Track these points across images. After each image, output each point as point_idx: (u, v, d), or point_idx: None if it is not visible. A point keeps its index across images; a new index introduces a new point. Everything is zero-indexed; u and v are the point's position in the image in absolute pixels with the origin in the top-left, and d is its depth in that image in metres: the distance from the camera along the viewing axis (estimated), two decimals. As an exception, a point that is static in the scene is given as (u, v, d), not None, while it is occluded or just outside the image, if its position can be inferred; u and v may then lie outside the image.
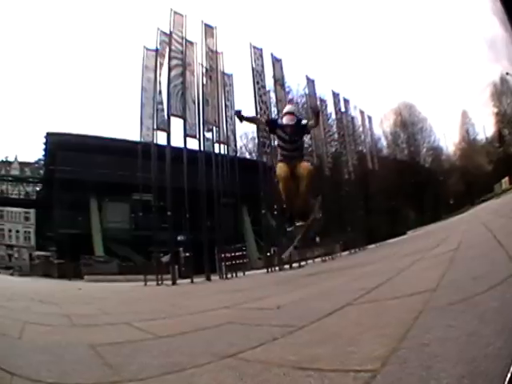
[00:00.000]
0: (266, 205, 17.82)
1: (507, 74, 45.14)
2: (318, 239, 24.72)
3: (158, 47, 15.20)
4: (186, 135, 14.90)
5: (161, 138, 15.01)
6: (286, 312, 3.34)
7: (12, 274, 38.28)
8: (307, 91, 22.66)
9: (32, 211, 54.74)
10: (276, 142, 9.28)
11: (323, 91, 25.93)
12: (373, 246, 22.59)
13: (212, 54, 16.42)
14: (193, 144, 15.36)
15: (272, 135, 12.21)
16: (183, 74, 15.16)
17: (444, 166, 62.79)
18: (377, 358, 1.53)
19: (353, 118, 27.31)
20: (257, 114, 16.84)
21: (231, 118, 16.77)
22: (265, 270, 16.61)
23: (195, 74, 15.83)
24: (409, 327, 1.87)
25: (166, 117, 14.72)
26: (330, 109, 25.36)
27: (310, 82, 22.32)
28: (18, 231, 54.71)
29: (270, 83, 18.72)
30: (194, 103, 15.45)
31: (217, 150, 16.24)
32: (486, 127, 63.29)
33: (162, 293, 9.21)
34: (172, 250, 15.96)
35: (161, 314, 4.30)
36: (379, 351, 1.60)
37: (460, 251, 4.89)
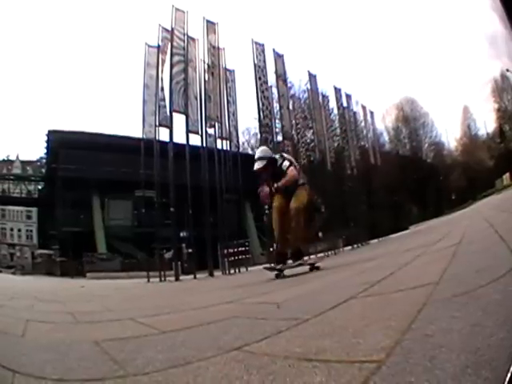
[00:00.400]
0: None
1: (507, 70, 45.20)
2: (320, 234, 24.79)
3: (160, 44, 15.18)
4: (188, 131, 14.88)
5: (163, 135, 15.02)
6: (290, 306, 3.34)
7: (14, 273, 38.41)
8: (309, 86, 22.65)
9: (34, 210, 54.81)
10: None
11: (325, 86, 26.00)
12: (375, 240, 22.66)
13: (214, 50, 16.42)
14: (195, 140, 15.40)
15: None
16: (185, 71, 15.15)
17: (446, 162, 62.91)
18: (382, 349, 1.54)
19: (355, 113, 27.33)
20: (259, 110, 16.89)
21: (233, 114, 16.81)
22: (268, 265, 16.59)
23: (197, 70, 15.84)
24: (413, 319, 1.88)
25: (168, 113, 14.72)
26: (332, 104, 25.30)
27: (312, 78, 22.29)
28: (19, 230, 54.82)
29: (271, 79, 18.75)
30: (196, 99, 15.45)
31: (219, 146, 16.25)
32: (486, 123, 63.45)
33: (165, 289, 9.16)
34: (175, 246, 15.99)
35: (164, 309, 4.26)
36: (384, 342, 1.61)
37: (462, 245, 4.91)
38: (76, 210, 42.60)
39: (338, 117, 25.56)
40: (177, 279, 13.63)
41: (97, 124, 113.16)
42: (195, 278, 13.72)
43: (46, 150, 50.16)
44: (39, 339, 2.82)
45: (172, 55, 15.01)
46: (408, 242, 11.35)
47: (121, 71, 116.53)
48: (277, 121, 19.06)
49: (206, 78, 15.97)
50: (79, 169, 40.87)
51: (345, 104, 25.41)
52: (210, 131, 15.86)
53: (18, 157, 56.72)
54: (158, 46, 15.19)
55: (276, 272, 6.97)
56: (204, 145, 15.37)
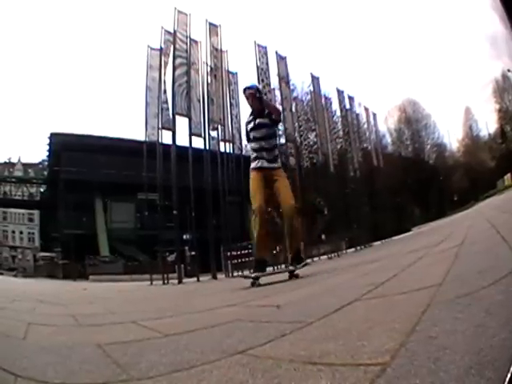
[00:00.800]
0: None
1: (508, 70, 45.19)
2: (323, 237, 24.81)
3: (163, 46, 15.16)
4: (191, 134, 14.89)
5: (166, 137, 15.00)
6: (294, 309, 3.32)
7: (16, 276, 38.48)
8: (312, 89, 22.66)
9: (36, 212, 54.85)
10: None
11: (328, 88, 25.99)
12: (378, 242, 22.64)
13: (216, 53, 16.41)
14: (198, 143, 15.38)
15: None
16: (188, 73, 15.16)
17: (448, 163, 62.96)
18: (386, 352, 1.54)
19: (357, 115, 27.32)
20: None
21: (236, 117, 16.79)
22: (270, 268, 16.59)
23: (200, 72, 15.83)
24: (417, 321, 1.88)
25: (171, 116, 14.70)
26: (335, 106, 25.28)
27: (315, 80, 22.30)
28: (21, 232, 54.81)
29: (274, 81, 18.73)
30: (199, 102, 15.45)
31: (222, 149, 16.23)
32: (488, 123, 63.52)
33: (168, 292, 9.13)
34: (178, 249, 15.99)
35: (167, 312, 4.25)
36: (388, 345, 1.62)
37: (465, 246, 4.92)
38: (78, 213, 42.72)
39: (340, 119, 25.58)
40: (180, 282, 13.61)
41: (99, 127, 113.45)
42: (198, 280, 13.70)
43: (48, 153, 50.33)
44: (41, 342, 2.79)
45: (174, 58, 14.99)
46: (411, 243, 11.29)
47: (123, 74, 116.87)
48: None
49: (209, 81, 15.96)
50: (82, 171, 41.03)
51: (347, 106, 25.45)
52: (213, 134, 15.85)
53: (19, 159, 56.85)
54: (161, 49, 15.18)
55: (252, 280, 6.68)
56: (207, 147, 15.35)
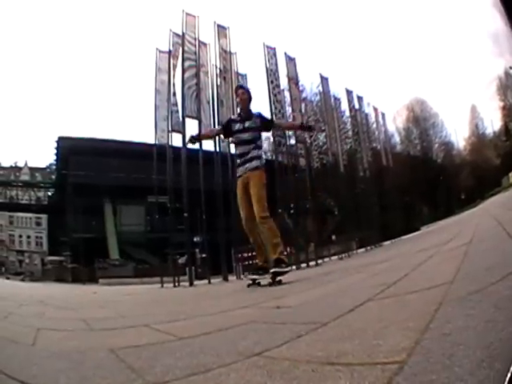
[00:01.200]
0: (283, 204, 17.79)
1: (510, 68, 45.08)
2: (334, 237, 24.78)
3: (171, 49, 15.13)
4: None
5: (176, 140, 14.99)
6: (308, 309, 3.37)
7: (23, 280, 38.63)
8: (321, 89, 22.63)
9: (44, 216, 55.12)
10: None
11: (336, 89, 25.95)
12: (388, 242, 22.61)
13: (225, 55, 16.38)
14: (208, 145, 15.35)
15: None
16: (197, 76, 15.09)
17: (455, 161, 63.03)
18: (402, 350, 1.58)
19: (366, 115, 27.32)
20: (271, 113, 16.87)
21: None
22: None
23: (209, 74, 15.81)
24: (430, 319, 1.93)
25: (180, 118, 14.65)
26: (344, 106, 25.40)
27: (324, 80, 22.31)
28: (29, 236, 55.14)
29: (283, 82, 18.71)
30: (209, 104, 15.41)
31: (232, 151, 16.15)
32: (493, 121, 63.40)
33: (179, 294, 9.08)
34: (189, 251, 15.97)
35: (180, 315, 4.19)
36: (404, 343, 1.65)
37: (473, 244, 5.04)
38: (87, 217, 42.87)
39: (350, 119, 25.64)
40: (191, 284, 13.57)
41: (108, 130, 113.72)
42: (209, 282, 13.65)
43: (55, 157, 50.49)
44: (51, 348, 2.73)
45: (183, 60, 14.95)
46: (420, 242, 11.44)
47: (132, 77, 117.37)
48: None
49: (218, 83, 15.93)
50: (90, 175, 41.16)
51: (357, 106, 25.46)
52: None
53: (26, 163, 57.08)
54: (169, 51, 15.14)
55: (250, 282, 6.96)
56: (217, 149, 15.30)
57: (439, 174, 56.76)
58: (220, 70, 16.05)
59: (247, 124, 7.20)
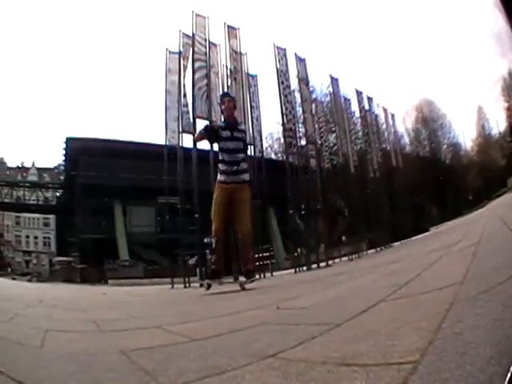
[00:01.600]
0: (293, 205, 17.78)
1: (515, 68, 45.05)
2: (344, 238, 24.73)
3: (181, 50, 15.14)
4: (212, 137, 14.81)
5: (186, 141, 14.99)
6: (320, 311, 3.37)
7: (30, 280, 38.58)
8: (331, 90, 22.59)
9: (52, 217, 55.40)
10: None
11: (346, 90, 25.92)
12: (398, 243, 22.60)
13: (236, 56, 16.38)
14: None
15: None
16: (208, 76, 15.12)
17: (463, 162, 63.13)
18: (416, 350, 1.60)
19: (376, 116, 27.29)
20: (282, 114, 16.89)
21: (257, 119, 16.73)
22: (292, 270, 16.61)
23: (219, 75, 15.81)
24: (442, 319, 1.99)
25: (191, 119, 14.66)
26: (354, 107, 25.33)
27: (334, 81, 22.29)
28: (36, 237, 55.44)
29: (293, 83, 18.68)
30: (219, 105, 15.42)
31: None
32: (498, 122, 63.31)
33: (190, 295, 9.03)
34: (200, 252, 15.97)
35: (192, 316, 4.18)
36: (417, 343, 1.68)
37: (481, 245, 5.14)
38: (97, 217, 42.99)
39: (360, 120, 25.58)
40: (202, 285, 13.49)
41: (119, 131, 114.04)
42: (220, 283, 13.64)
43: (64, 157, 50.63)
44: (60, 350, 2.63)
45: (194, 61, 14.97)
46: (430, 243, 11.48)
47: (141, 77, 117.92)
48: (299, 125, 18.96)
49: (229, 84, 15.91)
50: (100, 176, 41.27)
51: (367, 107, 25.43)
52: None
53: (33, 164, 57.30)
54: (180, 52, 15.15)
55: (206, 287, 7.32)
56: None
57: (447, 174, 56.77)
58: (230, 71, 16.03)
59: (236, 133, 7.27)
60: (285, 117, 16.98)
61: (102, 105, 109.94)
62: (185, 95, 14.98)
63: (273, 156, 49.99)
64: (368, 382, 1.41)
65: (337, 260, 18.91)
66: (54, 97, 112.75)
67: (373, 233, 23.19)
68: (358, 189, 22.66)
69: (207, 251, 20.67)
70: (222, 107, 7.62)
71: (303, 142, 19.30)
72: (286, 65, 17.98)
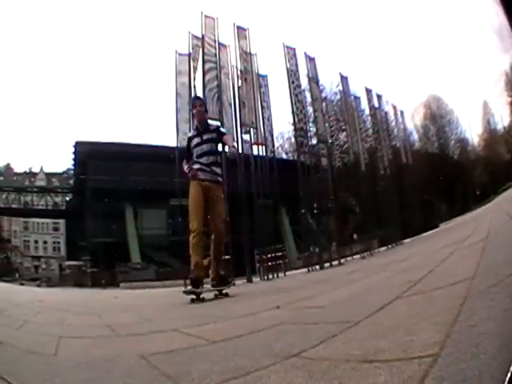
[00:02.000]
0: (306, 204, 17.78)
1: (517, 62, 44.97)
2: (355, 236, 24.70)
3: (191, 51, 15.14)
4: (223, 138, 14.79)
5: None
6: (338, 309, 3.42)
7: (39, 286, 38.55)
8: (341, 88, 22.54)
9: (62, 221, 55.47)
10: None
11: (355, 87, 25.88)
12: (408, 240, 22.55)
13: (246, 56, 16.35)
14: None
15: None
16: (218, 77, 15.11)
17: (470, 158, 63.09)
18: (435, 344, 1.69)
19: (386, 114, 27.17)
20: (293, 114, 16.90)
21: (268, 119, 16.71)
22: (305, 270, 16.60)
23: (230, 76, 15.80)
24: (457, 312, 2.09)
25: (202, 121, 14.65)
26: (364, 105, 25.18)
27: (344, 80, 22.21)
28: (45, 242, 55.61)
29: (303, 82, 18.65)
30: (231, 106, 15.41)
31: (255, 152, 16.14)
32: (503, 117, 63.28)
33: (204, 297, 9.12)
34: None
35: (208, 318, 4.18)
36: (435, 337, 1.77)
37: (489, 240, 5.36)
38: (107, 221, 43.00)
39: (369, 117, 25.51)
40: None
41: (130, 134, 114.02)
42: (234, 284, 13.61)
43: (73, 162, 50.68)
44: (75, 357, 2.60)
45: (204, 62, 14.97)
46: (440, 239, 11.71)
47: (151, 80, 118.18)
48: (310, 124, 18.93)
49: (240, 84, 15.90)
50: (111, 179, 41.31)
51: (376, 105, 25.29)
52: (246, 137, 15.79)
53: (41, 169, 57.41)
54: (189, 54, 15.14)
55: (193, 296, 6.88)
56: (240, 151, 15.28)
57: (456, 170, 56.76)
58: (241, 72, 16.02)
59: (206, 136, 7.19)
60: (296, 116, 16.97)
61: (112, 108, 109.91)
62: (196, 97, 15.00)
63: (284, 156, 50.09)
64: (392, 376, 1.48)
65: (349, 258, 18.84)
66: (64, 100, 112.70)
67: (384, 230, 23.14)
68: (369, 186, 22.62)
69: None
70: (194, 111, 7.48)
71: (314, 141, 19.29)
72: (296, 64, 17.95)
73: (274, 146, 17.15)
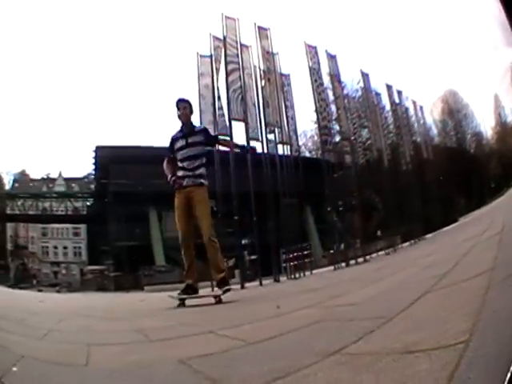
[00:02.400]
0: (331, 202, 17.81)
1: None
2: (379, 233, 24.68)
3: (213, 53, 15.23)
4: (248, 138, 14.94)
5: (223, 144, 15.07)
6: (370, 306, 3.53)
7: (59, 291, 38.34)
8: (362, 85, 22.60)
9: (83, 226, 55.57)
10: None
11: (375, 84, 25.84)
12: (430, 235, 22.50)
13: (268, 56, 16.43)
14: (256, 146, 15.37)
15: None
16: (241, 78, 15.20)
17: (485, 151, 62.82)
18: (465, 331, 1.82)
19: (407, 109, 27.18)
20: (316, 112, 16.97)
21: (292, 118, 16.78)
22: (331, 268, 16.63)
23: (253, 76, 15.89)
24: (482, 302, 2.28)
25: (227, 122, 14.76)
26: (384, 101, 25.21)
27: (365, 76, 22.29)
28: (65, 247, 55.76)
29: (325, 80, 18.67)
30: (255, 106, 15.49)
31: (280, 151, 16.24)
32: (512, 109, 63.01)
33: (233, 298, 9.10)
34: (239, 254, 16.03)
35: (242, 319, 4.05)
36: (465, 325, 1.91)
37: (505, 233, 5.76)
38: (130, 224, 42.86)
39: (391, 113, 25.46)
40: (242, 287, 13.45)
41: (153, 138, 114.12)
42: (261, 284, 13.62)
43: (94, 166, 50.77)
44: (109, 365, 2.51)
45: (227, 63, 15.06)
46: (460, 234, 12.01)
47: (173, 82, 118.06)
48: (332, 122, 18.95)
49: (263, 84, 15.98)
50: (133, 183, 41.30)
51: (397, 100, 25.29)
52: (270, 137, 15.86)
53: (60, 174, 57.65)
54: (211, 55, 15.23)
55: (178, 302, 6.91)
56: (265, 151, 15.36)
57: (472, 164, 56.58)
58: (264, 72, 16.09)
59: (191, 139, 7.15)
60: (319, 114, 17.03)
61: (134, 112, 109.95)
62: (219, 98, 15.06)
63: (307, 154, 49.94)
64: (432, 363, 1.58)
65: (374, 255, 18.83)
66: (85, 107, 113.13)
67: (406, 226, 23.11)
68: (391, 183, 22.59)
69: (245, 252, 20.79)
70: (178, 113, 7.35)
71: (337, 139, 19.30)
72: (318, 62, 18.03)
73: (298, 145, 17.18)
